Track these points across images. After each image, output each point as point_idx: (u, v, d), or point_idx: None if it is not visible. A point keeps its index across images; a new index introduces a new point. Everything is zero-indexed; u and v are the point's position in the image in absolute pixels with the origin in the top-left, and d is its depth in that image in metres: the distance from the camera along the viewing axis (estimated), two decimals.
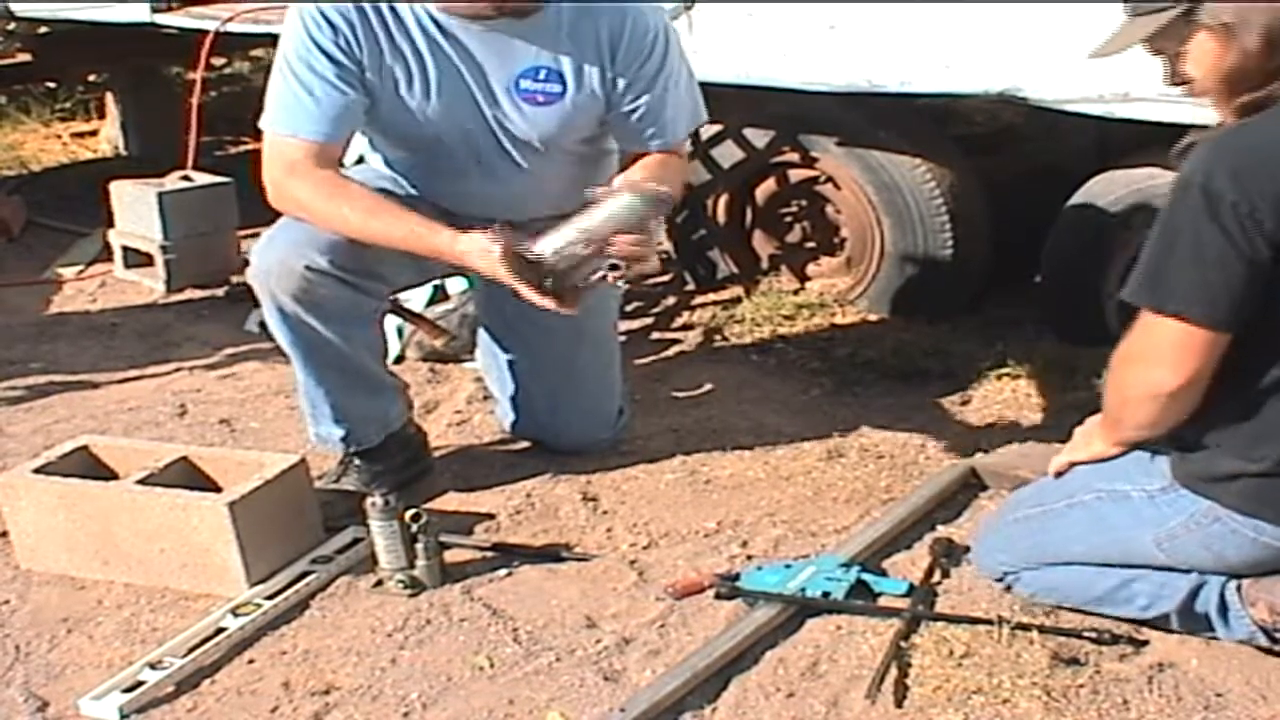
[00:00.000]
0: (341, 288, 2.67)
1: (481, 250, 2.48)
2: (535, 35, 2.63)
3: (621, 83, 2.69)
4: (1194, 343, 2.01)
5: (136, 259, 4.55)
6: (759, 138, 3.85)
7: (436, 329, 3.46)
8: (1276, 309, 1.99)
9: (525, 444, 3.11)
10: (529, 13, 2.61)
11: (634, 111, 2.71)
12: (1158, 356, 2.05)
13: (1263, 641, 2.16)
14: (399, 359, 3.64)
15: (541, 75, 2.66)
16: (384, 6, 2.61)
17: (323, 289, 2.65)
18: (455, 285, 3.57)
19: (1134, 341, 2.10)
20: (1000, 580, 2.38)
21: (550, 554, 2.64)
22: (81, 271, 4.70)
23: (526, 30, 2.61)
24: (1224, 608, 2.17)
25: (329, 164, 2.64)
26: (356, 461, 2.88)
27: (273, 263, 2.67)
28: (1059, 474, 2.33)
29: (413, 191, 2.82)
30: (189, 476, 2.66)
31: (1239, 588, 2.15)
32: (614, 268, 2.43)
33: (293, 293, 2.65)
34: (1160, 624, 2.24)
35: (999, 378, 3.35)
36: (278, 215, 2.71)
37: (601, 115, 2.74)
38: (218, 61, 6.88)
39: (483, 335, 3.16)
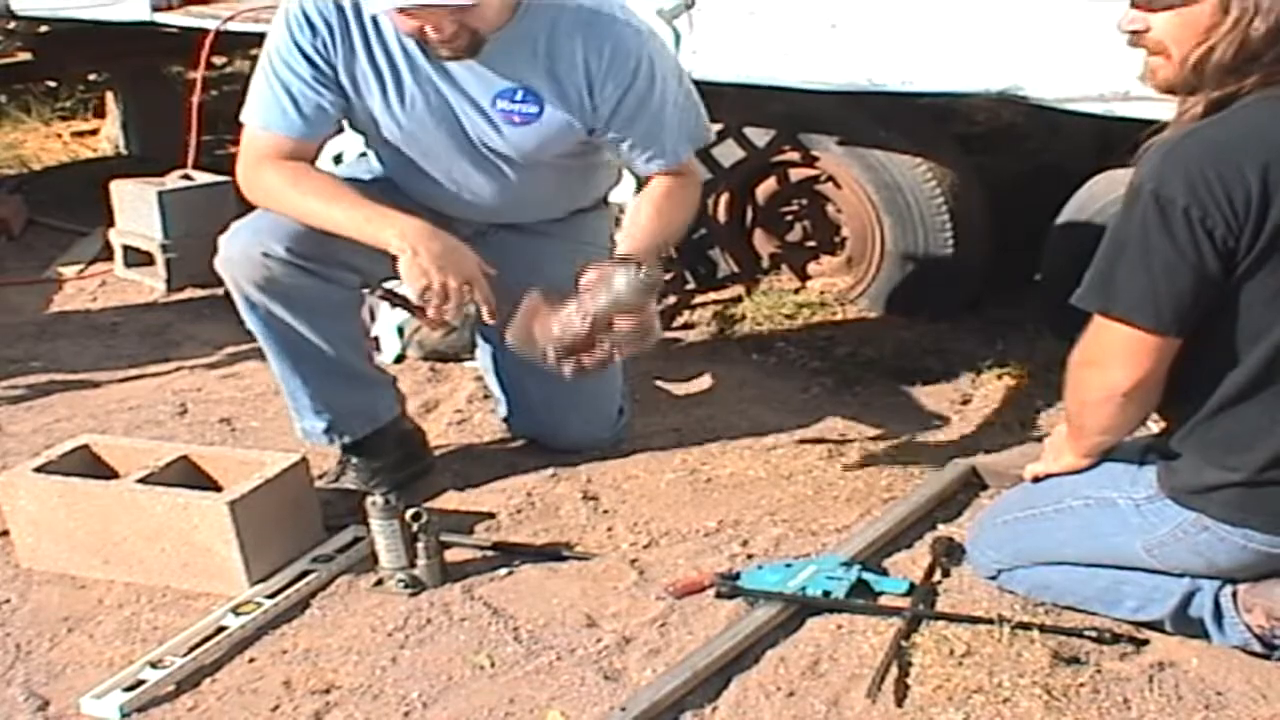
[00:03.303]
0: (306, 277, 2.69)
1: (405, 235, 2.52)
2: (513, 55, 2.60)
3: (605, 111, 2.66)
4: (1143, 346, 2.03)
5: (137, 258, 4.55)
6: (760, 137, 3.85)
7: (432, 318, 3.41)
8: (1232, 317, 2.00)
9: (525, 443, 3.11)
10: (478, 51, 2.56)
11: (625, 139, 2.70)
12: (1110, 359, 2.07)
13: (1257, 648, 2.15)
14: (399, 358, 3.65)
15: (518, 96, 2.64)
16: (367, 17, 2.60)
17: (286, 278, 2.67)
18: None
19: (1087, 346, 2.12)
20: (993, 578, 2.38)
21: (551, 553, 2.64)
22: (82, 270, 4.70)
23: (504, 50, 2.58)
24: (1218, 613, 2.17)
25: (301, 159, 2.67)
26: (354, 460, 2.89)
27: (235, 252, 2.71)
28: (1036, 480, 2.35)
29: (400, 188, 2.83)
30: (190, 475, 2.67)
31: (1234, 594, 2.15)
32: (616, 346, 2.46)
33: (254, 281, 2.69)
34: (1158, 625, 2.24)
35: (999, 377, 3.35)
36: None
37: (583, 137, 2.72)
38: (218, 60, 6.88)
39: (483, 333, 3.16)
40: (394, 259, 2.55)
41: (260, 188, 2.67)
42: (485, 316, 2.67)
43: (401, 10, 2.45)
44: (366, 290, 2.89)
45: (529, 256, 2.89)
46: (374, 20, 2.60)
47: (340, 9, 2.59)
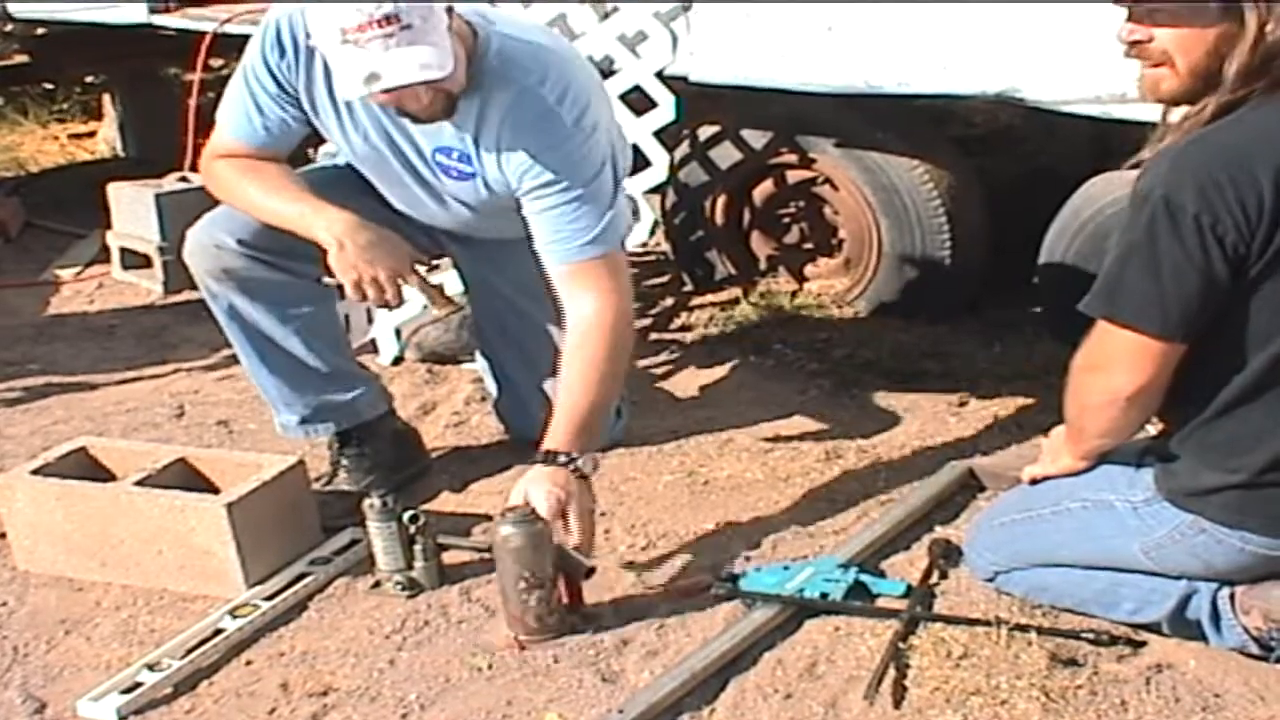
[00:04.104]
0: (261, 268, 2.72)
1: (332, 228, 2.54)
2: (456, 116, 2.57)
3: (516, 184, 2.59)
4: (1148, 352, 2.02)
5: (134, 260, 4.55)
6: (757, 139, 3.85)
7: (443, 295, 3.33)
8: (1239, 321, 1.99)
9: (523, 445, 3.09)
10: (453, 111, 2.53)
11: (532, 218, 2.61)
12: (1113, 364, 2.07)
13: (1254, 650, 2.15)
14: (398, 359, 3.64)
15: (454, 155, 2.64)
16: None
17: (243, 270, 2.71)
18: (453, 287, 3.56)
19: (1090, 350, 2.11)
20: (991, 580, 2.38)
21: None
22: (79, 273, 4.70)
23: None
24: (1216, 615, 2.17)
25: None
26: (344, 461, 2.89)
27: (193, 244, 2.77)
28: (1033, 482, 2.35)
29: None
30: (187, 478, 2.67)
31: (1231, 595, 2.15)
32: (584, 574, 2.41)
33: (211, 272, 2.73)
34: (1155, 627, 2.24)
35: (997, 379, 3.35)
36: None
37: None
38: (215, 63, 6.86)
39: (478, 333, 3.16)
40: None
41: (215, 180, 2.73)
42: (430, 303, 2.72)
43: (376, 97, 2.42)
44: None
45: (504, 254, 2.90)
46: None
47: (309, 34, 2.53)
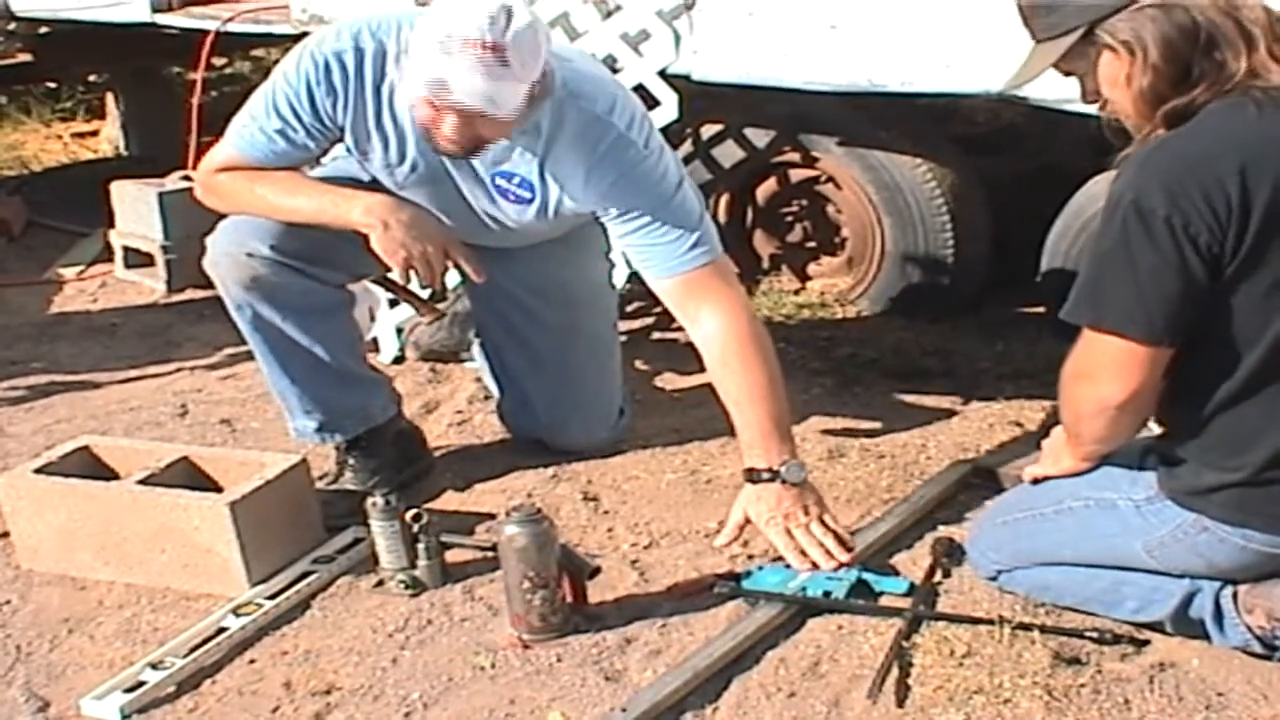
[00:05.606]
0: (291, 275, 2.69)
1: (371, 210, 2.52)
2: (514, 146, 2.56)
3: (599, 209, 2.62)
4: (1135, 358, 2.03)
5: (137, 259, 4.55)
6: (760, 137, 3.85)
7: (427, 305, 3.37)
8: (1226, 320, 2.00)
9: (526, 444, 3.11)
10: (476, 154, 2.52)
11: (629, 246, 2.64)
12: (1101, 372, 2.07)
13: (1257, 649, 2.15)
14: (398, 359, 3.64)
15: (515, 180, 2.63)
16: (385, 89, 2.54)
17: (273, 277, 2.68)
18: (448, 281, 3.55)
19: (1078, 359, 2.12)
20: (994, 578, 2.38)
21: None
22: (82, 272, 4.70)
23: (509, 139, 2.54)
24: (1219, 614, 2.17)
25: None
26: (350, 460, 2.89)
27: (219, 253, 2.72)
28: (1035, 483, 2.35)
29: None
30: (190, 477, 2.67)
31: (1234, 595, 2.15)
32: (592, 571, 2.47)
33: (240, 281, 2.69)
34: (1158, 626, 2.24)
35: (999, 377, 3.35)
36: None
37: (583, 212, 2.67)
38: (218, 61, 6.88)
39: (480, 332, 3.16)
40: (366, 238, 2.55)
41: (219, 190, 2.69)
42: (472, 275, 2.68)
43: (429, 102, 2.37)
44: (362, 281, 2.90)
45: (511, 253, 2.88)
46: (390, 91, 2.54)
47: (360, 73, 2.54)
